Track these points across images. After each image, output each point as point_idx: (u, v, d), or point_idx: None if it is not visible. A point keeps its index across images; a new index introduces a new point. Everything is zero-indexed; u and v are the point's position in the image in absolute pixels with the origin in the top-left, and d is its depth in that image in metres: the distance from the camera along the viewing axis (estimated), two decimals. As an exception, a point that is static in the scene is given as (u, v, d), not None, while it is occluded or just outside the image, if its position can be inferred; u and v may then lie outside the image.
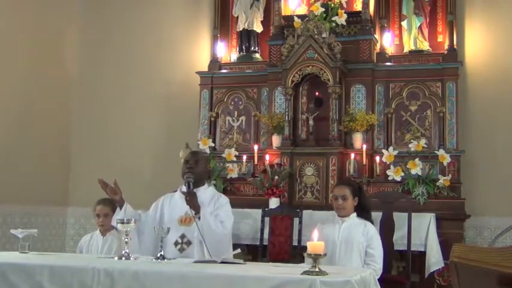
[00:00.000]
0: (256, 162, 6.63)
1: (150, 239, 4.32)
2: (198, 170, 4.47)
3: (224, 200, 4.52)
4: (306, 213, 5.71)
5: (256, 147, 6.70)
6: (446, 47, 6.61)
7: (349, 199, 4.62)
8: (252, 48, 7.22)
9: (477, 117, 6.63)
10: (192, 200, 4.28)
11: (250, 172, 6.67)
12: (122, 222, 3.88)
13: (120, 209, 4.36)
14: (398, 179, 6.22)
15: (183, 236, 4.37)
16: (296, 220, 5.64)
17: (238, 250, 4.71)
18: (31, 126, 7.23)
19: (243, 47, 7.25)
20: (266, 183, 6.30)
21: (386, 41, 6.81)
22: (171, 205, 4.50)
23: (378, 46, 6.78)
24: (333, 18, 6.56)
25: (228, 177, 6.71)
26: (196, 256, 4.21)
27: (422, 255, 5.55)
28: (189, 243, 4.35)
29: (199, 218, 4.26)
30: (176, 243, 4.35)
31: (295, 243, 5.59)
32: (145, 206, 4.61)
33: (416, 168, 6.15)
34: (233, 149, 6.76)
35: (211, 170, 6.41)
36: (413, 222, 5.43)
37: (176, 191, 4.65)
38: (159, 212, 4.51)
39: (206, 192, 4.52)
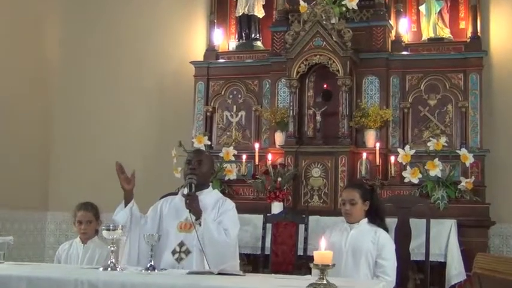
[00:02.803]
0: (257, 163, 6.64)
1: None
2: (202, 171, 4.44)
3: (230, 205, 4.48)
4: (312, 219, 5.71)
5: (257, 145, 6.71)
6: (469, 34, 6.62)
7: (358, 204, 4.61)
8: (253, 35, 7.23)
9: (503, 112, 6.63)
10: (192, 203, 4.24)
11: (250, 173, 6.67)
12: (108, 229, 3.86)
13: (125, 205, 4.34)
14: (415, 181, 6.23)
15: (181, 244, 4.32)
16: (301, 227, 5.64)
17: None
18: (7, 124, 7.22)
19: (243, 34, 7.25)
20: (268, 186, 6.31)
21: (403, 27, 6.81)
22: (171, 209, 4.47)
23: (393, 33, 6.79)
24: (343, 2, 6.57)
25: (226, 178, 6.71)
26: (195, 267, 4.16)
27: (442, 266, 5.57)
28: (187, 252, 4.31)
29: (199, 224, 4.24)
30: (174, 252, 4.32)
31: (300, 252, 5.60)
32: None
33: (436, 169, 6.16)
34: (231, 148, 6.76)
35: (215, 171, 6.41)
36: (432, 230, 5.43)
37: (177, 193, 4.64)
38: (158, 216, 4.50)
39: (210, 196, 4.48)
